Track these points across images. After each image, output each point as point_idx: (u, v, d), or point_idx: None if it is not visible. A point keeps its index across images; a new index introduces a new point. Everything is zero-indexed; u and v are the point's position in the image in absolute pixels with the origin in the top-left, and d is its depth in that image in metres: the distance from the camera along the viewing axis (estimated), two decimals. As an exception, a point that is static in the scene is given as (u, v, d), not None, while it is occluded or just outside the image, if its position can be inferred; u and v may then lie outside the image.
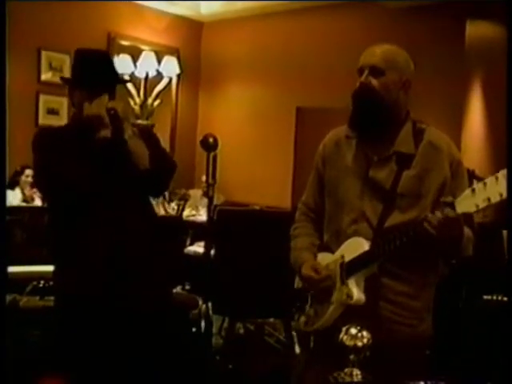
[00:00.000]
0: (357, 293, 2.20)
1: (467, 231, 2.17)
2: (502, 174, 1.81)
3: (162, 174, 2.80)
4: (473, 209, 1.89)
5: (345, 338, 1.66)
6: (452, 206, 1.96)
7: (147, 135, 2.85)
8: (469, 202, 1.90)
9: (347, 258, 2.25)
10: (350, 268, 2.24)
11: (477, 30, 6.64)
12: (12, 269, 3.03)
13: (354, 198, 2.31)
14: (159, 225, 3.04)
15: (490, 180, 1.84)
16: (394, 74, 2.27)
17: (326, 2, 7.30)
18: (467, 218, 2.06)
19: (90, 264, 2.66)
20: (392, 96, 2.27)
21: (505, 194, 1.80)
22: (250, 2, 7.77)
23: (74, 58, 2.89)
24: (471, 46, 6.53)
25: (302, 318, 2.42)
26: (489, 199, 1.84)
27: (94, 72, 2.78)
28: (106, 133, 2.66)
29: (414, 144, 2.28)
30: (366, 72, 2.27)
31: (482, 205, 1.86)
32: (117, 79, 3.02)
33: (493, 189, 1.83)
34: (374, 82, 2.25)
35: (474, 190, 1.88)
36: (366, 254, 2.20)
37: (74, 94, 2.83)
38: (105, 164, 2.67)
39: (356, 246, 2.24)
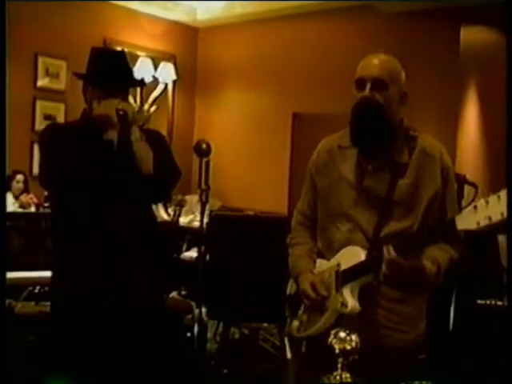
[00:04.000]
0: (351, 302, 2.20)
1: (430, 266, 2.19)
2: (505, 193, 1.81)
3: (164, 180, 2.75)
4: (473, 226, 1.89)
5: (333, 341, 1.67)
6: (453, 222, 1.96)
7: (156, 141, 2.80)
8: (470, 218, 1.89)
9: (343, 267, 2.25)
10: (345, 276, 2.23)
11: (471, 36, 6.66)
12: (8, 274, 3.03)
13: (348, 207, 2.31)
14: (157, 230, 3.04)
15: (492, 198, 1.83)
16: (395, 87, 2.26)
17: (322, 8, 7.32)
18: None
19: (86, 267, 2.66)
20: (393, 110, 2.27)
21: (505, 214, 1.79)
22: (245, 7, 7.80)
23: (91, 54, 2.84)
24: (466, 51, 6.55)
25: (295, 324, 2.42)
26: (490, 218, 1.83)
27: (110, 71, 2.75)
28: (112, 134, 2.64)
29: (408, 152, 2.28)
30: (369, 85, 2.23)
31: (482, 223, 1.85)
32: (131, 81, 2.98)
33: (495, 207, 1.82)
34: (378, 96, 2.22)
35: (476, 207, 1.88)
36: (362, 263, 2.19)
37: (86, 91, 2.80)
38: (108, 165, 2.64)
39: (352, 255, 2.23)
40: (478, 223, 1.87)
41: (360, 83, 2.26)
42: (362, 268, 2.20)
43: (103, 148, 2.65)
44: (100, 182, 2.63)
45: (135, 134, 2.66)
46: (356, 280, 2.21)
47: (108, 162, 2.64)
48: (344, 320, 2.18)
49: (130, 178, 2.65)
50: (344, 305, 2.20)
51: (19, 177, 6.45)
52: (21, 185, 6.45)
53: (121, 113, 2.63)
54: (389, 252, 2.08)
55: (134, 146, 2.63)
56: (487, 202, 1.85)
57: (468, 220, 1.91)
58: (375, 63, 2.27)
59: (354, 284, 2.22)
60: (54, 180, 2.68)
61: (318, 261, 2.41)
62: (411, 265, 2.13)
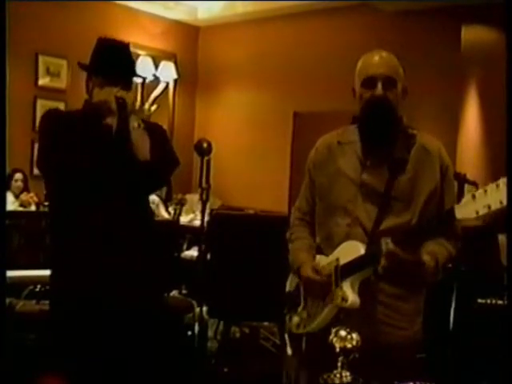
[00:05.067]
0: (352, 296, 2.20)
1: (428, 260, 2.19)
2: (503, 181, 1.81)
3: (161, 167, 2.76)
4: (473, 215, 1.89)
5: (334, 339, 1.67)
6: (452, 212, 1.97)
7: (155, 131, 2.80)
8: (469, 208, 1.90)
9: (342, 261, 2.25)
10: (345, 271, 2.24)
11: (472, 34, 6.66)
12: (9, 273, 3.03)
13: (347, 201, 2.32)
14: (156, 229, 3.04)
15: (490, 187, 1.83)
16: (400, 84, 2.29)
17: (323, 7, 7.32)
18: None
19: (85, 266, 2.66)
20: (399, 106, 2.30)
21: (505, 202, 1.79)
22: (246, 6, 7.80)
23: (95, 45, 2.86)
24: (467, 50, 6.56)
25: (295, 320, 2.42)
26: (489, 206, 1.83)
27: (111, 61, 2.77)
28: (111, 120, 2.65)
29: (407, 149, 2.29)
30: (380, 84, 2.25)
31: (482, 211, 1.85)
32: (133, 71, 2.97)
33: (493, 196, 1.82)
34: (389, 94, 2.25)
35: (474, 196, 1.88)
36: (362, 257, 2.20)
37: (89, 81, 2.81)
38: (107, 153, 2.65)
39: (351, 250, 2.24)
40: (477, 212, 1.87)
41: (370, 82, 2.27)
42: (362, 262, 2.20)
43: (102, 134, 2.66)
44: (99, 169, 2.63)
45: (133, 122, 2.67)
46: (356, 274, 2.21)
47: (107, 148, 2.65)
48: (344, 317, 2.19)
49: (127, 166, 2.65)
50: (344, 299, 2.20)
51: (18, 175, 6.45)
52: (19, 183, 6.44)
53: (120, 101, 2.64)
54: (387, 244, 2.08)
55: (131, 133, 2.64)
56: (485, 191, 1.85)
57: (467, 209, 1.91)
58: (383, 61, 2.29)
59: (353, 278, 2.22)
60: (53, 166, 2.67)
61: (318, 257, 2.40)
62: (409, 257, 2.13)
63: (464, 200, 1.93)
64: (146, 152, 2.65)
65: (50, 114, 2.86)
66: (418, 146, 2.31)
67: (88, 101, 2.81)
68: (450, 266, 2.35)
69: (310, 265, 2.35)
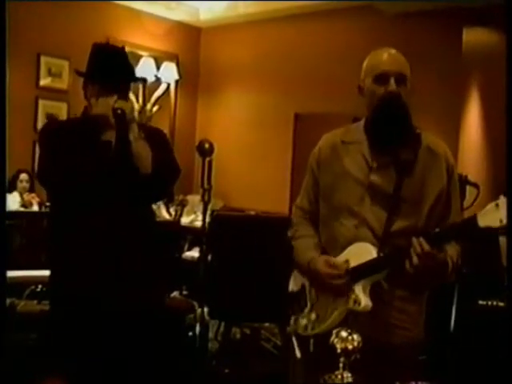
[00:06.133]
0: (364, 299, 2.17)
1: (450, 261, 2.19)
2: None
3: (163, 179, 2.73)
4: (497, 224, 1.88)
5: (335, 340, 1.67)
6: (474, 219, 1.95)
7: (156, 138, 2.77)
8: (492, 216, 1.89)
9: (353, 264, 2.22)
10: (357, 273, 2.20)
11: (474, 37, 6.67)
12: (10, 273, 3.04)
13: (353, 203, 2.29)
14: (157, 230, 3.04)
15: None
16: (409, 82, 2.28)
17: (325, 8, 7.33)
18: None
19: (84, 267, 2.66)
20: (409, 105, 2.29)
21: None
22: (248, 7, 7.81)
23: (91, 50, 2.82)
24: (468, 52, 6.56)
25: (302, 322, 2.38)
26: None
27: (108, 68, 2.72)
28: (110, 135, 2.62)
29: (414, 149, 2.27)
30: (393, 79, 2.23)
31: (506, 220, 1.86)
32: (131, 77, 2.91)
33: None
34: (401, 90, 2.24)
35: (497, 205, 1.88)
36: (374, 260, 2.17)
37: (86, 88, 2.78)
38: (107, 164, 2.62)
39: (362, 252, 2.21)
40: (501, 221, 1.87)
41: (382, 78, 2.25)
42: (374, 265, 2.17)
43: (101, 149, 2.62)
44: (98, 183, 2.62)
45: (134, 132, 2.63)
46: (369, 277, 2.18)
47: (106, 163, 2.62)
48: (351, 318, 2.17)
49: (128, 178, 2.64)
50: (357, 302, 2.18)
51: (23, 176, 6.47)
52: (25, 184, 6.47)
53: (118, 111, 2.59)
54: (422, 244, 2.06)
55: (132, 144, 2.60)
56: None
57: (490, 218, 1.90)
58: (394, 58, 2.29)
59: (365, 281, 2.19)
60: (52, 180, 2.67)
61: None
62: (443, 258, 2.13)
63: (487, 208, 1.92)
64: (148, 164, 2.62)
65: (48, 127, 2.85)
66: (424, 147, 2.29)
67: (87, 109, 2.79)
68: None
69: (323, 259, 2.30)
